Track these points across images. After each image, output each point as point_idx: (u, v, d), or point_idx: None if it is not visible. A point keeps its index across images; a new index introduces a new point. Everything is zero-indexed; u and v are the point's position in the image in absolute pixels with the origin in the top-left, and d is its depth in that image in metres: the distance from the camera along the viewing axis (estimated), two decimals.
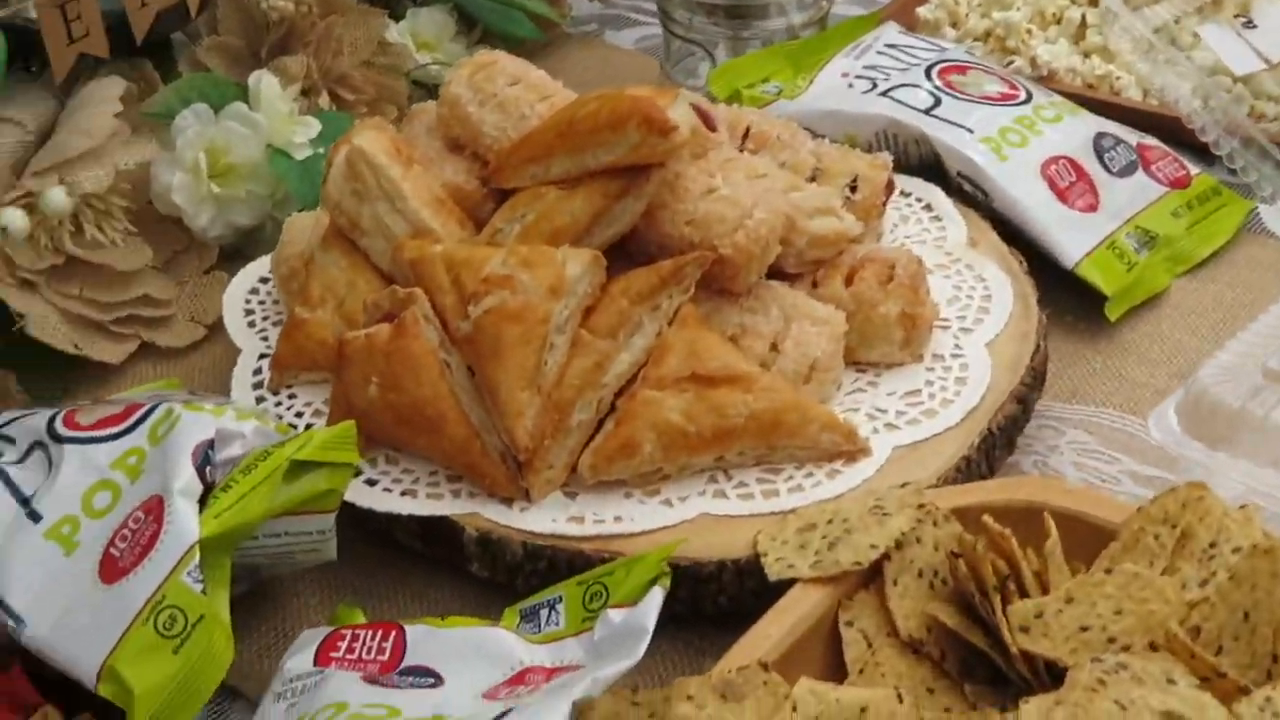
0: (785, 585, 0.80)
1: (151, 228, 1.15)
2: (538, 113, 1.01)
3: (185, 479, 0.81)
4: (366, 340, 0.92)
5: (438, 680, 0.77)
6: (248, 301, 1.09)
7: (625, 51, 1.55)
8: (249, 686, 0.86)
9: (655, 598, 0.76)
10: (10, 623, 0.82)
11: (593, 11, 1.60)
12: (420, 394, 0.90)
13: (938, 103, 1.21)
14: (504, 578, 0.90)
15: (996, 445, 0.95)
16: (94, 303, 1.11)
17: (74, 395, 1.09)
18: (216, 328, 1.14)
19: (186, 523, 0.80)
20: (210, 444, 0.84)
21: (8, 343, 1.07)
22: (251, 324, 1.07)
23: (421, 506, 0.91)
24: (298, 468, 0.82)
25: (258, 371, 1.02)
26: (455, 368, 0.91)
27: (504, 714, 0.69)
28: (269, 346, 1.04)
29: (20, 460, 0.90)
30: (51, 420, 0.90)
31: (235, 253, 1.20)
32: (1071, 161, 1.17)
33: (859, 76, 1.27)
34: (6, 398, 1.04)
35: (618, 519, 0.89)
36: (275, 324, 1.06)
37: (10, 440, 0.92)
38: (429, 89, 1.34)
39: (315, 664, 0.80)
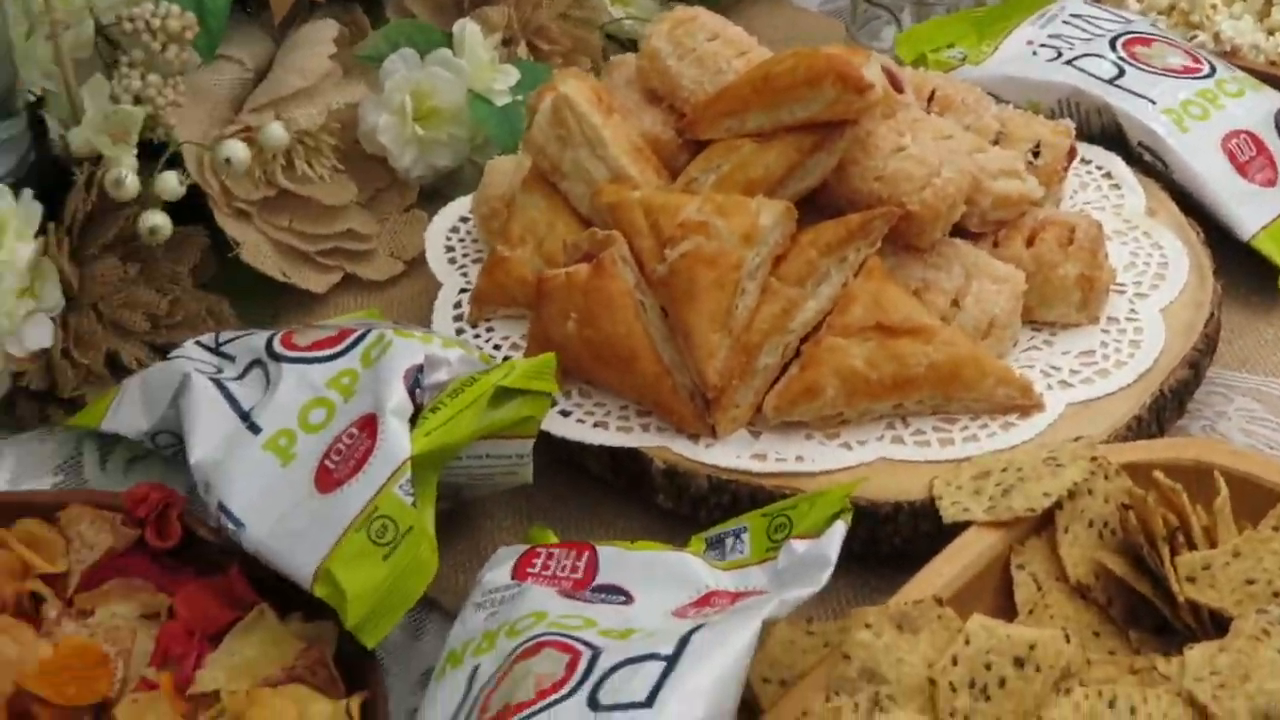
0: (958, 529, 0.84)
1: (357, 165, 1.21)
2: (735, 68, 1.05)
3: (398, 399, 0.86)
4: (566, 278, 0.96)
5: (628, 598, 0.81)
6: (448, 239, 1.14)
7: (810, 13, 1.58)
8: (446, 599, 0.91)
9: (838, 531, 0.79)
10: (231, 526, 0.87)
11: None
12: (615, 331, 0.95)
13: (1121, 73, 1.23)
14: (687, 509, 0.94)
15: (1167, 407, 0.98)
16: (302, 234, 1.16)
17: (280, 321, 1.14)
18: (414, 263, 1.20)
19: (399, 440, 0.85)
20: (420, 368, 0.88)
21: (223, 268, 1.13)
22: (452, 260, 1.12)
23: (613, 438, 0.95)
24: (501, 394, 0.87)
25: (457, 305, 1.07)
26: (649, 308, 0.96)
27: (697, 628, 0.73)
28: (468, 282, 1.09)
29: (239, 377, 0.97)
30: (270, 341, 0.96)
31: (433, 193, 1.25)
32: (1252, 136, 1.18)
33: (1043, 45, 1.29)
34: (221, 320, 1.09)
35: (799, 458, 0.93)
36: (474, 261, 1.11)
37: (230, 358, 0.99)
38: (622, 43, 1.38)
39: (513, 578, 0.84)
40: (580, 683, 0.71)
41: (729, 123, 1.02)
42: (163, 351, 1.05)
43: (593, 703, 0.70)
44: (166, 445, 1.00)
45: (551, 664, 0.73)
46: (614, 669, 0.71)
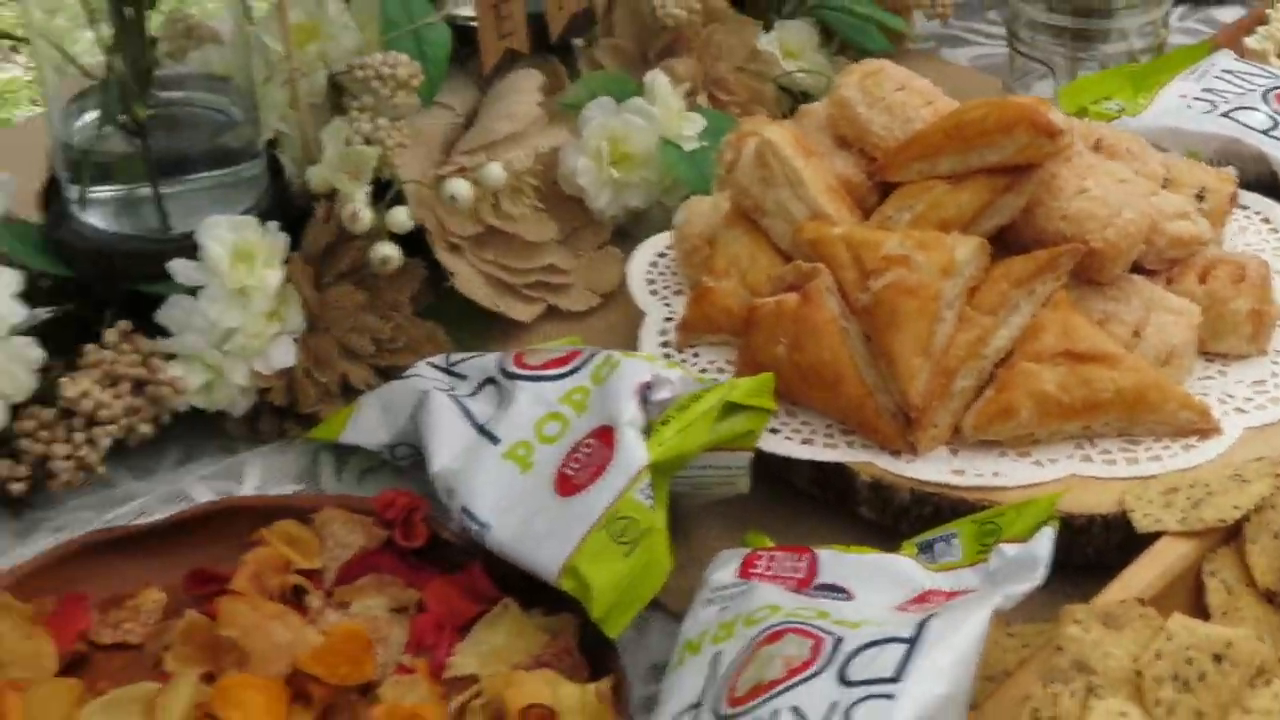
0: (1148, 540, 0.91)
1: (556, 205, 1.28)
2: (923, 116, 1.13)
3: (632, 412, 0.94)
4: (776, 307, 1.04)
5: (849, 596, 0.88)
6: (648, 272, 1.22)
7: (963, 68, 1.65)
8: (669, 599, 0.97)
9: (1048, 535, 0.86)
10: (475, 528, 0.95)
11: (931, 30, 1.70)
12: (821, 356, 1.02)
13: (1276, 124, 1.30)
14: (889, 520, 1.01)
15: None
16: (507, 268, 1.24)
17: (489, 348, 1.19)
18: (609, 296, 1.28)
19: (636, 448, 0.92)
20: (648, 385, 0.96)
21: (438, 298, 1.21)
22: (653, 292, 1.19)
23: (820, 454, 1.03)
24: (725, 409, 0.95)
25: (663, 332, 1.14)
26: (853, 334, 1.03)
27: (931, 616, 0.80)
28: (670, 311, 1.16)
29: (472, 394, 1.05)
30: (501, 361, 1.05)
31: (622, 232, 1.33)
32: None
33: (1196, 98, 1.36)
34: (438, 345, 1.17)
35: (995, 474, 1.00)
36: (674, 292, 1.19)
37: (462, 377, 1.07)
38: (793, 94, 1.46)
39: (739, 577, 0.91)
40: (828, 663, 0.78)
41: (920, 166, 1.09)
42: (385, 374, 1.14)
43: (843, 679, 0.77)
44: (404, 456, 1.08)
45: (797, 647, 0.80)
46: (858, 650, 0.78)
